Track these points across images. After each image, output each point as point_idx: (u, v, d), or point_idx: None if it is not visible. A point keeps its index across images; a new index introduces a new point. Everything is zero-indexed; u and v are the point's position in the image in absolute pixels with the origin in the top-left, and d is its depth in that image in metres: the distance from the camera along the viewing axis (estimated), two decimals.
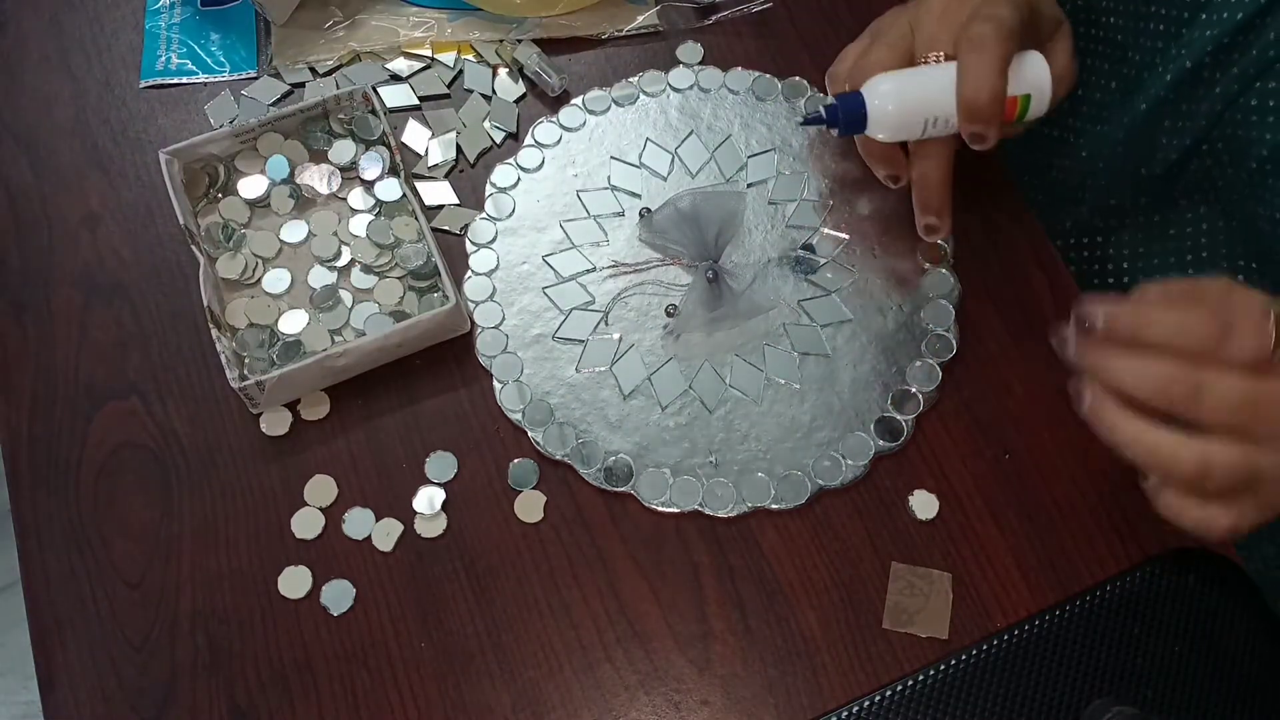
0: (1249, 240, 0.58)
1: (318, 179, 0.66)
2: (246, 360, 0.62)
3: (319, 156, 0.67)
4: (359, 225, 0.65)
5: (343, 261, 0.65)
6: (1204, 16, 0.59)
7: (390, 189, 0.66)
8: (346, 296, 0.64)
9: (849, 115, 0.60)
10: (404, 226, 0.65)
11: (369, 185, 0.66)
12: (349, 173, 0.67)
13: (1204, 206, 0.64)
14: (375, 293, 0.64)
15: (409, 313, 0.63)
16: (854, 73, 0.61)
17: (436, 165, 0.68)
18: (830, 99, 0.63)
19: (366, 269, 0.64)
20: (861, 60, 0.61)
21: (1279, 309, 0.47)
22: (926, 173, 0.61)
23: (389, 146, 0.66)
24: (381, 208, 0.66)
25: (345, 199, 0.66)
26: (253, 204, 0.66)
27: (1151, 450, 0.47)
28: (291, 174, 0.66)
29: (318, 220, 0.65)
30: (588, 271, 0.65)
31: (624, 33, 0.71)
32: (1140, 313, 0.48)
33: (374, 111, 0.66)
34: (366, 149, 0.67)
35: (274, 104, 0.70)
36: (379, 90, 0.70)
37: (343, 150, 0.67)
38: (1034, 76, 0.59)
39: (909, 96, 0.59)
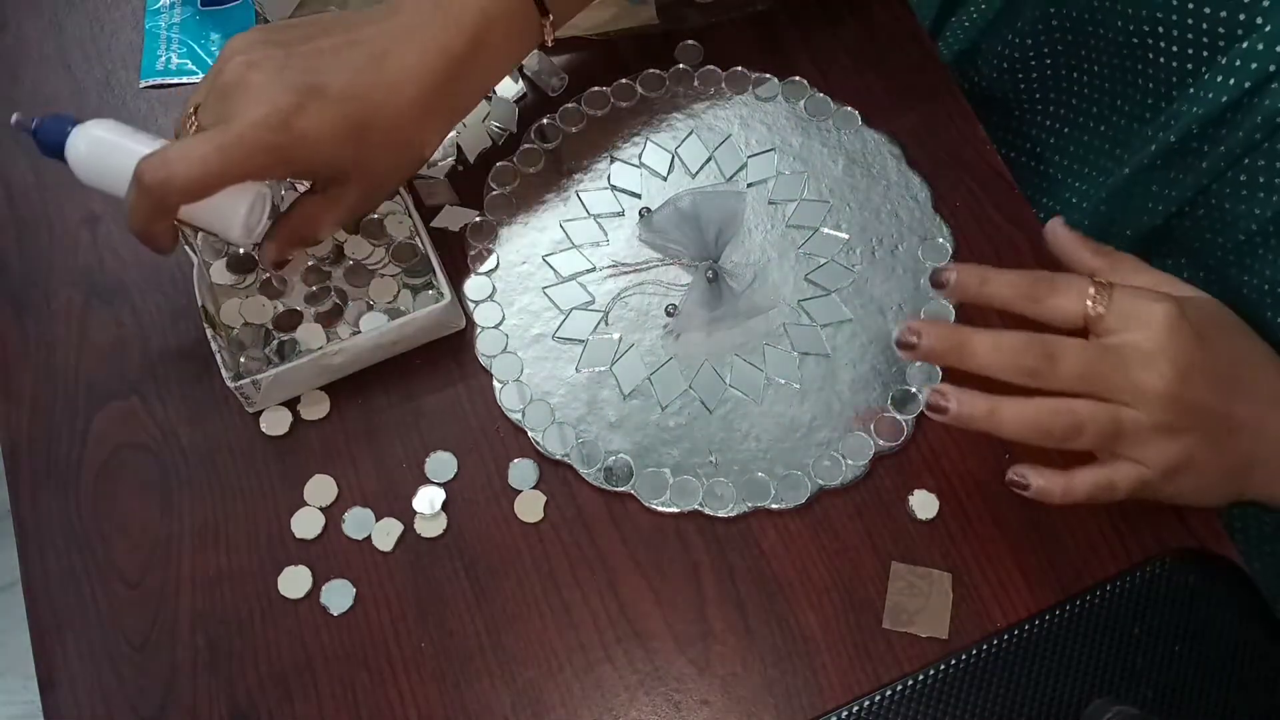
0: (1238, 309, 0.59)
1: None
2: (242, 360, 0.62)
3: None
4: (353, 223, 0.65)
5: (337, 260, 0.65)
6: (1191, 91, 0.59)
7: None
8: (341, 295, 0.64)
9: (48, 132, 0.56)
10: (397, 224, 0.65)
11: None
12: None
13: (1186, 271, 0.65)
14: (370, 291, 0.64)
15: (404, 310, 0.63)
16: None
17: (436, 165, 0.68)
18: (36, 120, 0.57)
19: (361, 267, 0.64)
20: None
21: (1102, 279, 0.53)
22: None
23: None
24: None
25: None
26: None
27: (1034, 422, 0.52)
28: None
29: None
30: (588, 271, 0.65)
31: (624, 33, 0.71)
32: (983, 271, 0.54)
33: None
34: None
35: None
36: None
37: None
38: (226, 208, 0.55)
39: (115, 151, 0.55)
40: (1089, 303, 0.53)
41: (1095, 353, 0.52)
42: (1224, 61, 0.56)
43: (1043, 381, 0.52)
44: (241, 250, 0.63)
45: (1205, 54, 0.58)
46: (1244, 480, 0.55)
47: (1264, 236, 0.58)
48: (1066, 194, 0.72)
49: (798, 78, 0.70)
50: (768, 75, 0.70)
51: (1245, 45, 0.55)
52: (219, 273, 0.64)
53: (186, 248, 0.63)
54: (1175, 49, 0.59)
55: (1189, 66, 0.59)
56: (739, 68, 0.70)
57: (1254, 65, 0.55)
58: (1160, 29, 0.59)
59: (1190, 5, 0.57)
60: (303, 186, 0.61)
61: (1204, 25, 0.57)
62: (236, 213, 0.55)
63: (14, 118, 0.57)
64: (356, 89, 0.55)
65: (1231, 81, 0.56)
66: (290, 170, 0.56)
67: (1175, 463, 0.52)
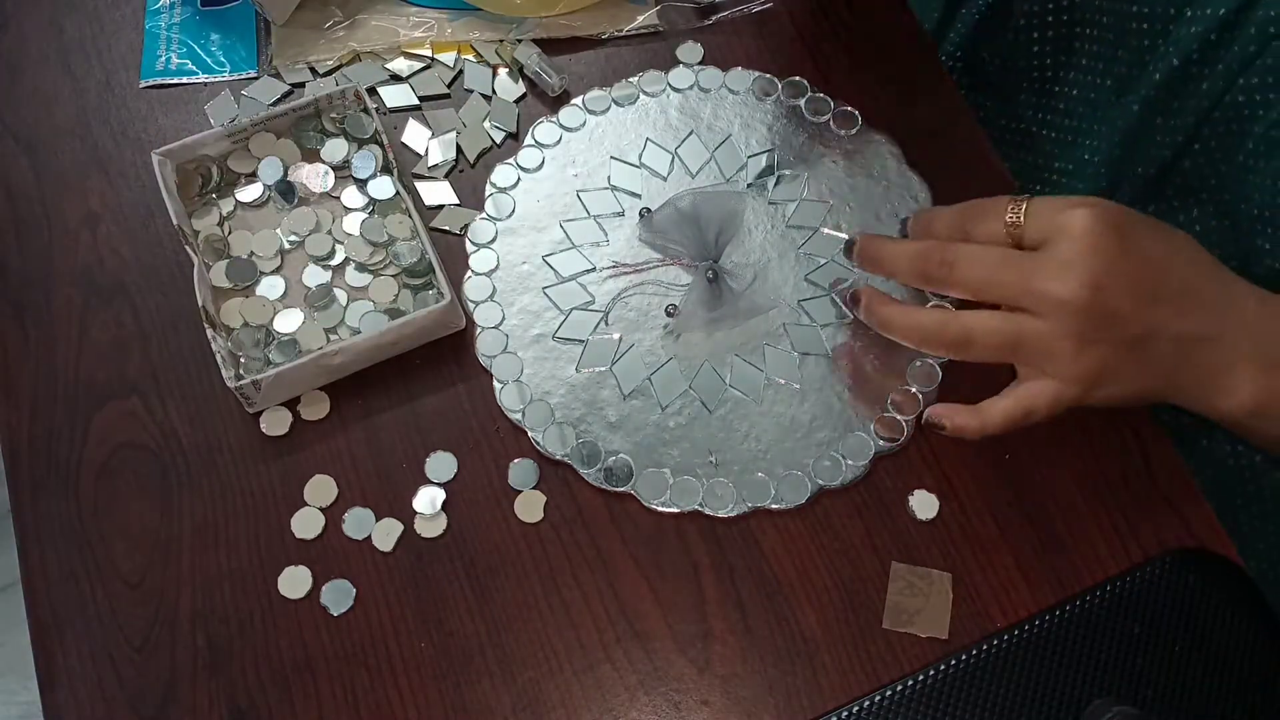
0: (1239, 239, 0.58)
1: (311, 178, 0.66)
2: (242, 360, 0.62)
3: (312, 155, 0.67)
4: (353, 224, 0.65)
5: (337, 260, 0.65)
6: (1189, 13, 0.59)
7: (383, 187, 0.66)
8: (341, 295, 0.64)
9: None
10: (398, 224, 0.65)
11: (362, 184, 0.66)
12: (342, 171, 0.67)
13: (1197, 208, 0.65)
14: (370, 291, 0.64)
15: (404, 310, 0.63)
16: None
17: (436, 165, 0.68)
18: None
19: (361, 267, 0.64)
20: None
21: (1022, 196, 0.54)
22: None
23: (381, 145, 0.66)
24: (375, 206, 0.66)
25: (339, 198, 0.66)
26: (247, 205, 0.66)
27: (920, 326, 0.55)
28: (285, 173, 0.66)
29: (312, 219, 0.65)
30: (588, 271, 0.65)
31: (624, 33, 0.71)
32: (927, 214, 0.58)
33: (366, 110, 0.66)
34: (359, 147, 0.67)
35: (274, 104, 0.70)
36: (379, 90, 0.70)
37: (335, 149, 0.67)
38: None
39: None
40: (1007, 217, 0.53)
41: (996, 258, 0.52)
42: None
43: (940, 286, 0.54)
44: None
45: None
46: (1171, 384, 0.54)
47: (1262, 152, 0.58)
48: (1079, 151, 0.71)
49: (798, 78, 0.70)
50: (768, 75, 0.70)
51: None
52: (219, 273, 0.64)
53: (187, 248, 0.63)
54: None
55: None
56: (739, 68, 0.70)
57: None
58: None
59: None
60: None
61: None
62: None
63: None
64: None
65: None
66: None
67: (1090, 373, 0.52)
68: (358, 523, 0.60)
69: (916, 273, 0.55)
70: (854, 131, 0.68)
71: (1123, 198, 0.69)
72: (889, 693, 0.56)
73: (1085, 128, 0.71)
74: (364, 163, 0.66)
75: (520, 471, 0.61)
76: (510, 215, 0.67)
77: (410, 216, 0.64)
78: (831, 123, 0.69)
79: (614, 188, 0.67)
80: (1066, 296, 0.50)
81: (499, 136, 0.69)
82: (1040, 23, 0.71)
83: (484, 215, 0.67)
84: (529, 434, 0.61)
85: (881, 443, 0.61)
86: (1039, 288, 0.51)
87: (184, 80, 0.71)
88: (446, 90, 0.70)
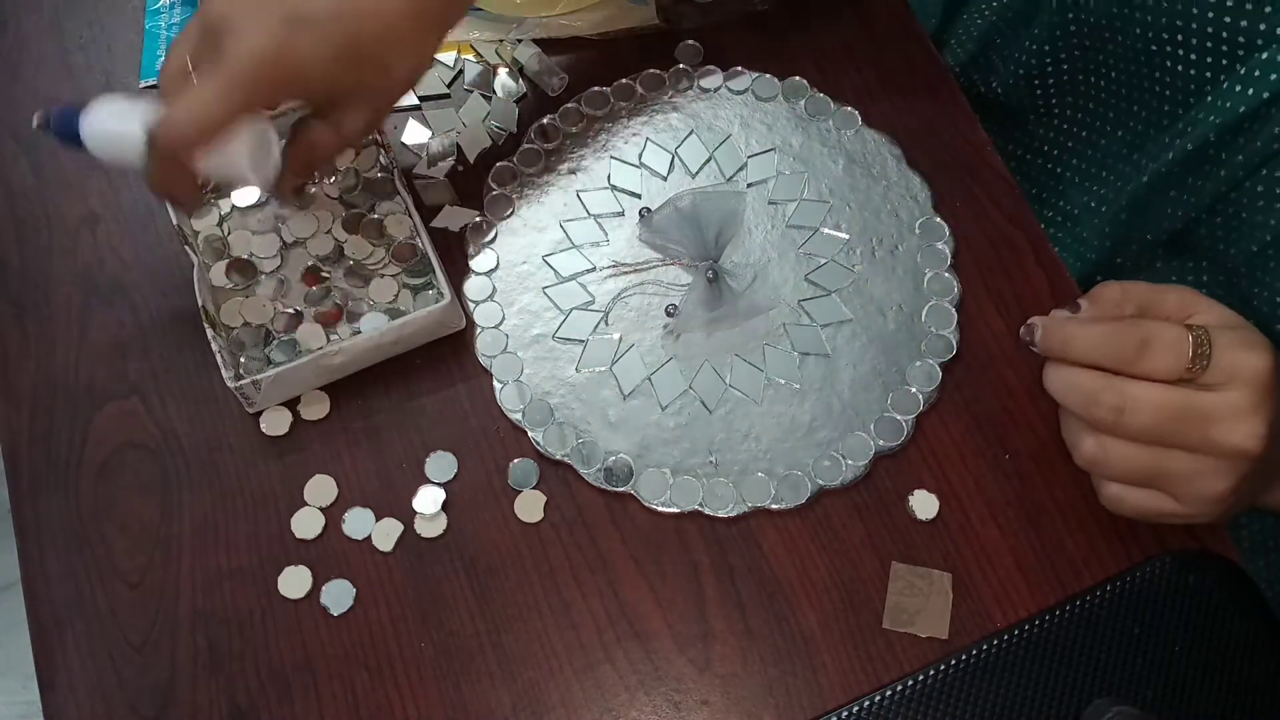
0: (1246, 308, 0.58)
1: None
2: (242, 360, 0.62)
3: None
4: (353, 223, 0.65)
5: (337, 260, 0.65)
6: (1209, 99, 0.59)
7: (383, 187, 0.66)
8: (341, 295, 0.64)
9: (61, 123, 0.57)
10: (397, 224, 0.65)
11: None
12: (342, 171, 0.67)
13: (1206, 275, 0.65)
14: (370, 291, 0.64)
15: (404, 310, 0.63)
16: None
17: (436, 165, 0.68)
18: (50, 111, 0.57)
19: (361, 267, 0.64)
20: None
21: (1200, 329, 0.51)
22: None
23: (380, 144, 0.66)
24: (375, 205, 0.66)
25: (339, 197, 0.66)
26: (247, 205, 0.66)
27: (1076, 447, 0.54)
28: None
29: (311, 219, 0.65)
30: (588, 271, 0.65)
31: (624, 33, 0.71)
32: (1067, 331, 0.53)
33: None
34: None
35: None
36: None
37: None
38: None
39: (124, 122, 0.55)
40: (1189, 366, 0.50)
41: (1174, 407, 0.50)
42: (1243, 71, 0.56)
43: (1111, 431, 0.52)
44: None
45: (1224, 62, 0.58)
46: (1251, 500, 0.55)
47: (1276, 248, 0.58)
48: (1084, 198, 0.71)
49: (798, 78, 0.70)
50: (768, 75, 0.70)
51: (1265, 55, 0.55)
52: (219, 273, 0.64)
53: (186, 248, 0.63)
54: (1194, 56, 0.59)
55: (1208, 74, 0.59)
56: (739, 68, 0.70)
57: (1273, 76, 0.54)
58: (1180, 36, 0.59)
59: (1211, 14, 0.56)
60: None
61: (1224, 34, 0.56)
62: (241, 155, 0.55)
63: (35, 120, 0.58)
64: (341, 10, 0.54)
65: (1250, 91, 0.56)
66: (291, 98, 0.57)
67: (1225, 510, 0.52)
68: (358, 523, 0.60)
69: (1088, 410, 0.52)
70: (854, 131, 0.68)
71: (1126, 256, 0.69)
72: (889, 693, 0.56)
73: (1094, 173, 0.71)
74: (364, 162, 0.66)
75: (520, 471, 0.61)
76: (510, 215, 0.67)
77: (410, 216, 0.64)
78: (831, 123, 0.69)
79: (614, 188, 0.67)
80: (1249, 448, 0.50)
81: (499, 137, 0.69)
82: (1054, 60, 0.71)
83: (484, 215, 0.67)
84: (529, 434, 0.61)
85: (881, 443, 0.61)
86: (1217, 437, 0.50)
87: None
88: (446, 90, 0.70)
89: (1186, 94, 0.61)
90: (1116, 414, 0.51)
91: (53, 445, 0.62)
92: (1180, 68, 0.60)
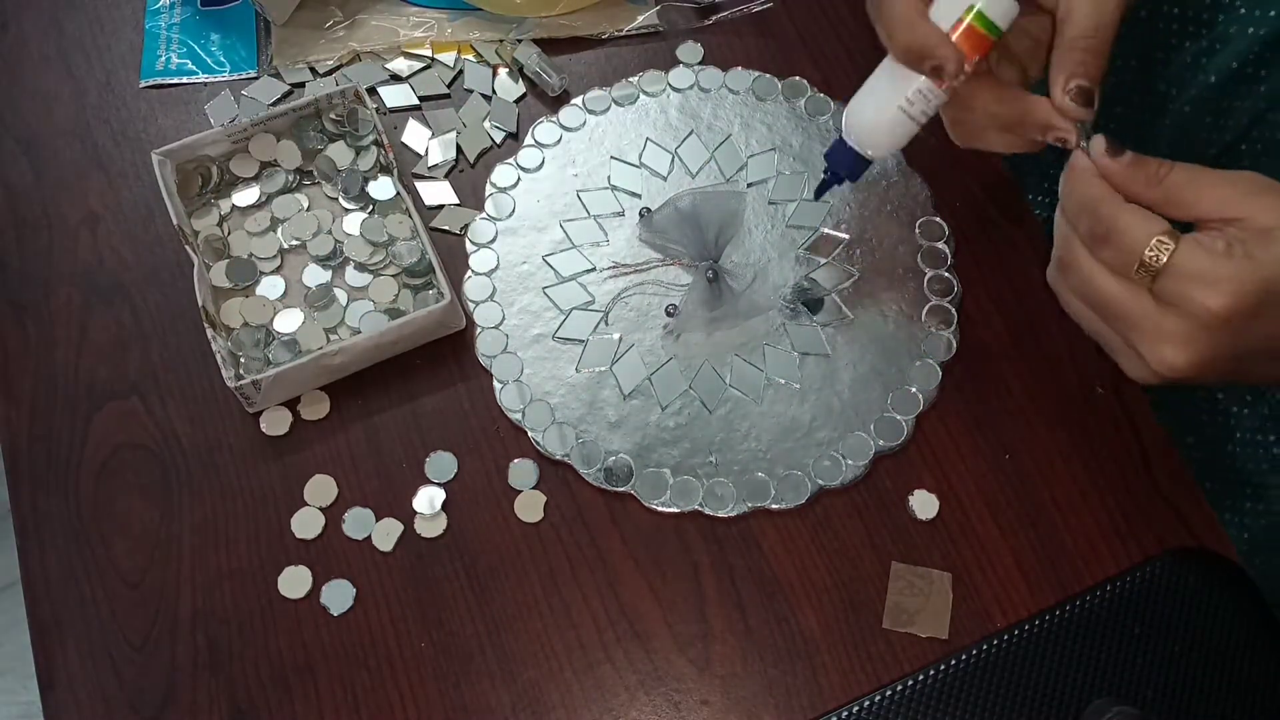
0: None
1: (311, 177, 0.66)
2: (242, 360, 0.62)
3: (312, 156, 0.67)
4: (353, 224, 0.65)
5: (337, 260, 0.65)
6: (1242, 11, 0.57)
7: (384, 187, 0.66)
8: (341, 295, 0.64)
9: (845, 162, 0.57)
10: (398, 224, 0.65)
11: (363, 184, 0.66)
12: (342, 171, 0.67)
13: None
14: (370, 291, 0.64)
15: (404, 310, 0.63)
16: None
17: (436, 165, 0.68)
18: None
19: (361, 267, 0.64)
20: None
21: (1169, 242, 0.46)
22: (1076, 12, 0.50)
23: (381, 145, 0.66)
24: (375, 206, 0.66)
25: (338, 198, 0.66)
26: (247, 206, 0.66)
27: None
28: (284, 174, 0.66)
29: (312, 219, 0.65)
30: (588, 271, 0.65)
31: (624, 33, 0.71)
32: (1073, 176, 0.49)
33: (366, 110, 0.66)
34: (360, 148, 0.67)
35: (274, 104, 0.70)
36: (379, 90, 0.70)
37: (336, 149, 0.67)
38: None
39: (872, 100, 0.55)
40: (1132, 274, 0.48)
41: (1103, 299, 0.49)
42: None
43: (1062, 281, 0.51)
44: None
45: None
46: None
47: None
48: (1131, 133, 0.70)
49: (798, 78, 0.70)
50: (768, 75, 0.70)
51: None
52: (219, 273, 0.64)
53: (186, 248, 0.63)
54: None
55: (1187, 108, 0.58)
56: (739, 68, 0.70)
57: None
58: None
59: None
60: None
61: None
62: None
63: (812, 196, 0.57)
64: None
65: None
66: None
67: (1150, 383, 0.50)
68: (358, 523, 0.60)
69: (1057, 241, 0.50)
70: None
71: None
72: (889, 693, 0.56)
73: (1133, 116, 0.69)
74: (365, 162, 0.66)
75: (520, 471, 0.61)
76: (510, 215, 0.67)
77: (410, 216, 0.64)
78: (831, 123, 0.69)
79: (614, 188, 0.67)
80: (1161, 371, 0.48)
81: (499, 136, 0.69)
82: None
83: (484, 215, 0.67)
84: (529, 434, 0.61)
85: (881, 443, 0.61)
86: (1140, 349, 0.48)
87: (184, 80, 0.71)
88: (446, 90, 0.70)
89: (1221, 13, 0.59)
90: (1065, 270, 0.50)
91: (53, 445, 0.62)
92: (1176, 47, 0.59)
